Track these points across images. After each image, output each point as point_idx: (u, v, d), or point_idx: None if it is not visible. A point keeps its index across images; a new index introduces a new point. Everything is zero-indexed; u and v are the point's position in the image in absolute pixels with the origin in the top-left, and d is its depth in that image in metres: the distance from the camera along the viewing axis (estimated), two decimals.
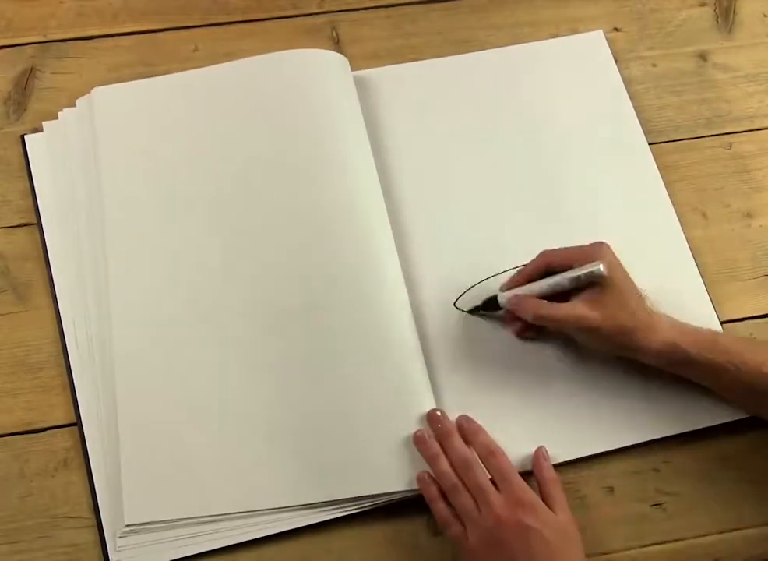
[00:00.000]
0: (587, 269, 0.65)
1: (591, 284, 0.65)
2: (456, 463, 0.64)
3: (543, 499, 0.63)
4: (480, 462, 0.64)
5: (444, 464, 0.64)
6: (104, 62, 0.81)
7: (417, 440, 0.65)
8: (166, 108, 0.77)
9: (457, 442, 0.65)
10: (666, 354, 0.65)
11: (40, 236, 0.72)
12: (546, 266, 0.68)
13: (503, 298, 0.69)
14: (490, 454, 0.64)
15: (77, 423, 0.66)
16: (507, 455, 0.65)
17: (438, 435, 0.65)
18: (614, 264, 0.66)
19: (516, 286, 0.69)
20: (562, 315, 0.65)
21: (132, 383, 0.66)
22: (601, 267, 0.64)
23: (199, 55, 0.81)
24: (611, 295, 0.65)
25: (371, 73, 0.81)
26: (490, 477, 0.63)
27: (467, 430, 0.66)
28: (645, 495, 0.67)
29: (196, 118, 0.76)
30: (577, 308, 0.65)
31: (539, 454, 0.66)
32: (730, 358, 0.64)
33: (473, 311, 0.71)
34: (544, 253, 0.68)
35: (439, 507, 0.63)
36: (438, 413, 0.66)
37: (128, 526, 0.62)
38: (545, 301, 0.66)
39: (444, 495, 0.63)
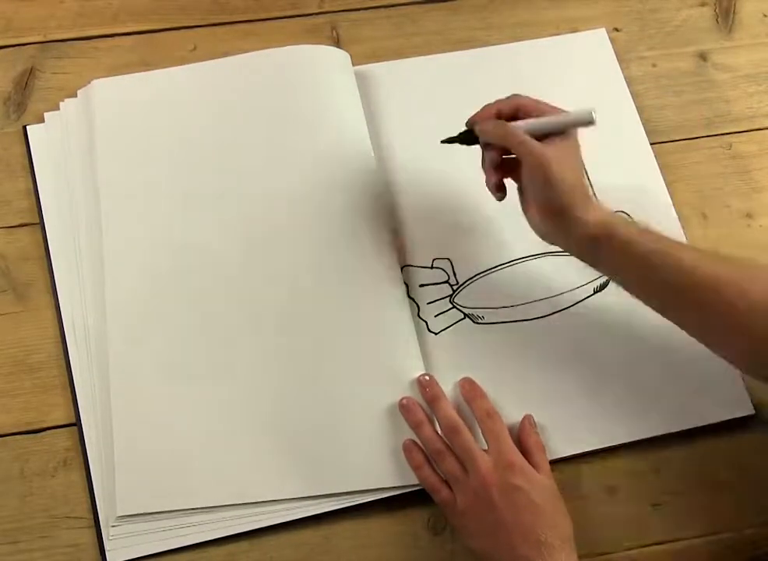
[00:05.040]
0: (579, 112, 0.62)
1: (562, 135, 0.62)
2: (444, 427, 0.64)
3: None
4: (467, 428, 0.64)
5: (429, 430, 0.64)
6: (104, 62, 0.81)
7: (402, 408, 0.65)
8: (165, 100, 0.77)
9: (445, 406, 0.65)
10: (599, 231, 0.61)
11: (42, 233, 0.72)
12: (516, 108, 0.64)
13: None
14: (487, 416, 0.64)
15: (77, 423, 0.66)
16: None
17: (427, 400, 0.65)
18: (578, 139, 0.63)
19: (486, 116, 0.65)
20: (529, 145, 0.61)
21: (125, 379, 0.66)
22: (593, 114, 0.61)
23: (198, 55, 0.81)
24: (572, 155, 0.62)
25: (373, 68, 0.81)
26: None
27: (469, 392, 0.66)
28: (645, 495, 0.67)
29: (196, 111, 0.76)
30: (545, 149, 0.61)
31: (526, 421, 0.66)
32: (658, 246, 0.60)
33: (449, 141, 0.68)
34: (516, 96, 0.65)
35: (426, 473, 0.63)
36: (427, 378, 0.66)
37: (120, 517, 0.62)
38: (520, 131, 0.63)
39: (430, 462, 0.63)
